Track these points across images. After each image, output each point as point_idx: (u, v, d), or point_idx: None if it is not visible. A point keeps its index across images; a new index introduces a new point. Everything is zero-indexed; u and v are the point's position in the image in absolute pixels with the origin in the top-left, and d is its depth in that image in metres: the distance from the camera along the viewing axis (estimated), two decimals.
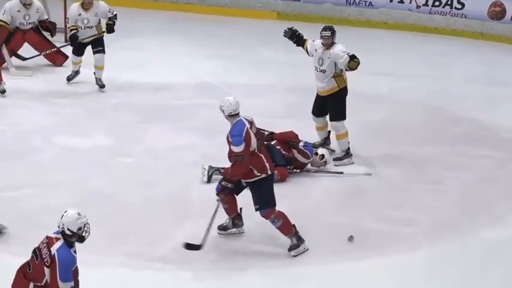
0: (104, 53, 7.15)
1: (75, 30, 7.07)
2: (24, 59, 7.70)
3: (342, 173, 5.77)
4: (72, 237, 3.52)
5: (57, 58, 7.77)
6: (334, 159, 5.90)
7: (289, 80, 7.54)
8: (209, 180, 5.43)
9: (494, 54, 8.77)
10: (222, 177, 4.71)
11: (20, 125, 6.40)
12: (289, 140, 5.68)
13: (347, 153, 5.93)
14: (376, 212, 5.18)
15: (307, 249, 4.64)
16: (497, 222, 5.14)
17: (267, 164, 4.57)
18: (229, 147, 4.53)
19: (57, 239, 3.51)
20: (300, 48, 5.97)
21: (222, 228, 4.83)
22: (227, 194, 4.61)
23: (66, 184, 5.42)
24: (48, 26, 7.67)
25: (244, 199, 4.71)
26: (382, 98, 7.27)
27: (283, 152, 5.68)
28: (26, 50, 7.68)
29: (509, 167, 5.95)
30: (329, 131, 6.10)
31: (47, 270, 3.49)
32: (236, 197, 4.72)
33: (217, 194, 4.61)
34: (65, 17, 8.06)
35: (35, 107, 6.84)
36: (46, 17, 7.66)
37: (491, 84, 7.73)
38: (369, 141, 6.23)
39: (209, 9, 10.03)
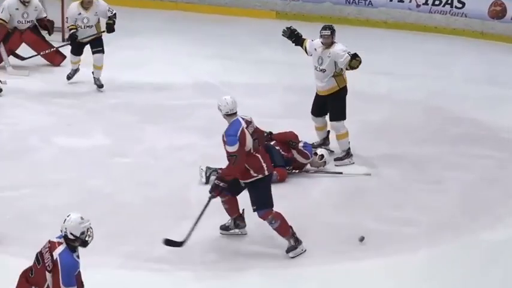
0: (103, 52, 7.13)
1: (75, 30, 7.05)
2: (23, 58, 7.69)
3: (341, 173, 5.76)
4: (75, 242, 3.50)
5: (55, 58, 7.75)
6: (335, 160, 5.88)
7: (288, 80, 7.53)
8: (207, 181, 5.41)
9: (494, 53, 8.76)
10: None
11: (17, 125, 6.39)
12: (289, 140, 5.66)
13: (347, 154, 5.91)
14: (375, 212, 5.17)
15: (305, 250, 4.63)
16: (498, 222, 5.13)
17: (264, 165, 4.56)
18: (224, 146, 4.52)
19: (60, 244, 3.49)
20: (299, 47, 5.95)
21: (224, 228, 4.83)
22: (220, 192, 4.58)
23: (64, 184, 5.40)
24: (46, 24, 7.65)
25: (244, 200, 4.70)
26: (382, 97, 7.26)
27: (282, 153, 5.66)
28: (25, 49, 7.66)
29: (509, 167, 5.94)
30: (328, 131, 6.08)
31: (48, 275, 3.46)
32: (237, 197, 4.71)
33: (210, 192, 4.60)
34: (63, 16, 8.05)
35: (33, 106, 6.82)
36: (44, 15, 7.64)
37: (492, 84, 7.71)
38: (368, 141, 6.22)
39: (208, 8, 10.01)
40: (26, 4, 7.44)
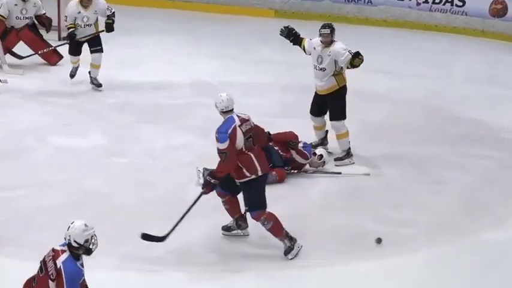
0: (102, 51, 7.10)
1: (73, 29, 7.00)
2: (20, 57, 7.67)
3: (340, 173, 5.73)
4: (79, 250, 3.46)
5: (51, 57, 7.73)
6: (335, 160, 5.85)
7: (287, 79, 7.52)
8: None
9: (495, 52, 8.75)
10: None
11: (13, 125, 6.37)
12: (290, 140, 5.62)
13: (348, 153, 5.88)
14: (375, 213, 5.14)
15: (301, 246, 4.60)
16: (498, 223, 5.11)
17: (256, 164, 4.53)
18: (216, 143, 4.52)
19: (63, 251, 3.44)
20: (297, 46, 5.91)
21: (226, 229, 4.80)
22: (212, 189, 4.55)
23: (61, 184, 5.37)
24: (44, 22, 7.61)
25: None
26: (381, 97, 7.24)
27: (281, 153, 5.63)
28: (22, 48, 7.63)
29: (509, 167, 5.92)
30: (326, 131, 6.05)
31: (52, 284, 3.42)
32: (238, 198, 4.68)
33: (202, 187, 4.59)
34: (59, 15, 8.02)
35: (29, 106, 6.80)
36: (43, 12, 7.62)
37: (492, 84, 7.70)
38: (368, 141, 6.20)
39: (206, 6, 9.98)
40: (25, 0, 7.39)
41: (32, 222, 4.82)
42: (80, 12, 6.98)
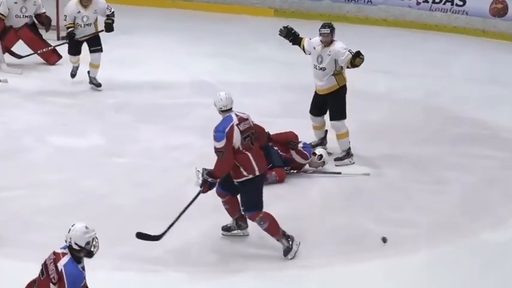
0: (102, 51, 7.09)
1: (72, 28, 6.98)
2: (19, 57, 7.65)
3: (339, 173, 5.71)
4: (80, 252, 3.43)
5: (50, 57, 7.71)
6: (335, 160, 5.84)
7: (287, 78, 7.50)
8: None
9: (495, 52, 8.74)
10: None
11: (11, 124, 6.35)
12: (290, 140, 5.60)
13: (348, 153, 5.86)
14: (375, 213, 5.13)
15: (300, 243, 4.58)
16: (499, 223, 5.09)
17: (254, 164, 4.51)
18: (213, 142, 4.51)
19: (64, 254, 3.42)
20: (297, 46, 5.88)
21: (226, 229, 4.79)
22: (209, 188, 4.53)
23: (59, 185, 5.35)
24: (44, 21, 7.60)
25: None
26: (381, 96, 7.23)
27: (281, 153, 5.61)
28: (21, 48, 7.61)
29: (510, 167, 5.90)
30: (326, 131, 6.03)
31: (53, 287, 3.39)
32: (238, 198, 4.66)
33: (200, 186, 4.58)
34: (57, 14, 8.00)
35: (28, 105, 6.78)
36: (43, 11, 7.61)
37: (493, 83, 7.69)
38: (368, 141, 6.18)
39: (206, 5, 9.96)
40: None
41: (30, 222, 4.81)
42: (79, 11, 6.96)
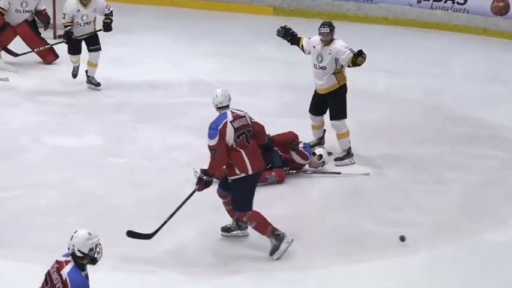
0: (100, 50, 7.06)
1: (70, 27, 6.95)
2: (16, 55, 7.61)
3: (339, 173, 5.68)
4: (84, 259, 3.39)
5: (47, 55, 7.68)
6: (335, 159, 5.81)
7: (286, 78, 7.48)
8: None
9: (497, 50, 8.72)
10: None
11: (8, 124, 6.33)
12: (292, 140, 5.56)
13: (348, 153, 5.83)
14: (375, 213, 5.11)
15: (292, 240, 4.52)
16: (499, 224, 5.07)
17: (247, 163, 4.47)
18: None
19: (67, 262, 3.37)
20: (295, 46, 5.85)
21: (226, 229, 4.76)
22: (205, 186, 4.50)
23: (57, 185, 5.33)
24: (43, 19, 7.57)
25: None
26: (381, 96, 7.21)
27: (280, 153, 5.58)
28: (18, 46, 7.58)
29: (511, 167, 5.87)
30: (324, 130, 6.00)
31: None
32: None
33: (196, 184, 4.54)
34: (54, 12, 7.97)
35: (25, 105, 6.76)
36: (44, 8, 7.59)
37: (493, 82, 7.67)
38: (368, 141, 6.16)
39: (204, 4, 9.93)
40: None
41: (27, 222, 4.79)
42: (79, 10, 6.93)
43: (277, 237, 4.51)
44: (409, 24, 9.45)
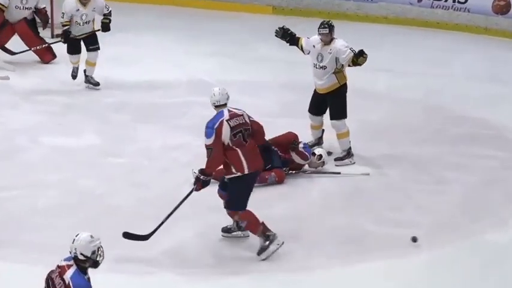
0: (99, 49, 7.04)
1: (68, 26, 6.94)
2: (13, 53, 7.59)
3: (339, 173, 5.68)
4: (86, 263, 3.37)
5: (45, 55, 7.67)
6: (335, 159, 5.80)
7: (285, 77, 7.47)
8: None
9: (498, 50, 8.71)
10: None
11: (8, 124, 6.31)
12: (293, 140, 5.55)
13: (348, 153, 5.82)
14: (375, 213, 5.10)
15: (283, 243, 4.49)
16: (499, 224, 5.06)
17: (243, 162, 4.45)
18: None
19: (69, 266, 3.35)
20: (295, 46, 5.83)
21: (226, 230, 4.75)
22: (202, 186, 4.48)
23: (56, 185, 5.33)
24: (41, 17, 7.56)
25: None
26: (381, 95, 7.20)
27: (280, 154, 5.57)
28: (15, 44, 7.56)
29: (511, 167, 5.86)
30: (323, 130, 5.98)
31: None
32: None
33: (194, 183, 4.53)
34: (52, 12, 7.96)
35: (23, 105, 6.74)
36: (44, 6, 7.58)
37: (494, 82, 7.65)
38: (368, 141, 6.15)
39: (204, 3, 9.92)
40: None
41: (27, 222, 4.78)
42: (78, 9, 6.92)
43: (267, 237, 4.50)
44: (410, 24, 9.43)
